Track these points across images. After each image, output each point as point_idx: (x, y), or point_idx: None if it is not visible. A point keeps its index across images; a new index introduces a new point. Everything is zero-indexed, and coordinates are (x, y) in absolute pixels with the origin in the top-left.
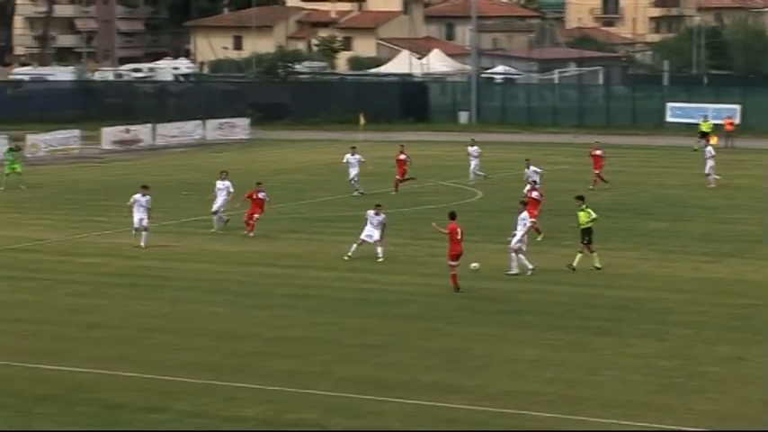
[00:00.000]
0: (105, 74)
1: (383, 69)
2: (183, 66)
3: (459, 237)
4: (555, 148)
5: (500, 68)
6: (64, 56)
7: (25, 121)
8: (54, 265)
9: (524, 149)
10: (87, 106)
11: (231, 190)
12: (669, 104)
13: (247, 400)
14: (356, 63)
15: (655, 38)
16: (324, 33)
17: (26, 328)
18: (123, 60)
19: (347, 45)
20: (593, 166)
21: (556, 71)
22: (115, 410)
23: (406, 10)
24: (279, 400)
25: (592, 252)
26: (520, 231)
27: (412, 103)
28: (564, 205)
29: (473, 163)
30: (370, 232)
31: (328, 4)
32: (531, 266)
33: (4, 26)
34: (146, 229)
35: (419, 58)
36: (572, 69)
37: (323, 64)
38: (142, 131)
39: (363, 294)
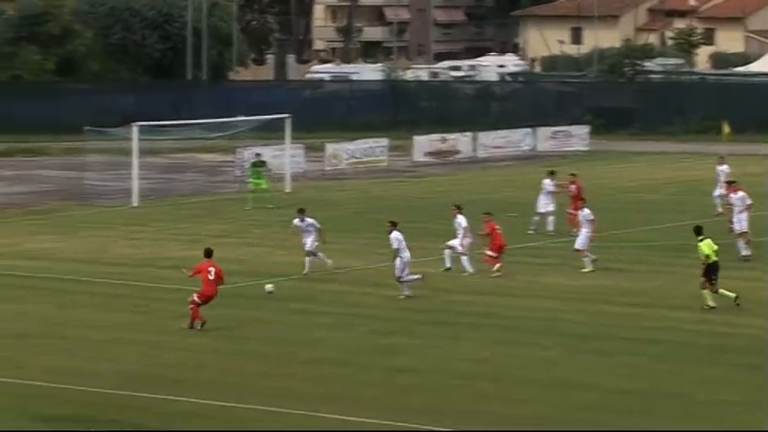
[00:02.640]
0: (418, 73)
1: (752, 68)
2: (511, 63)
3: (212, 277)
4: None
5: None
6: (371, 51)
7: (325, 128)
8: (355, 298)
9: None
10: (397, 111)
11: (318, 226)
12: None
13: None
14: (719, 60)
15: None
16: (680, 24)
17: (321, 371)
18: (440, 56)
19: (709, 38)
20: None
21: None
22: None
23: None
24: None
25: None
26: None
27: None
28: None
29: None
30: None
31: None
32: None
33: (303, 16)
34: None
35: None
36: None
37: (679, 61)
38: (461, 141)
39: (724, 340)
